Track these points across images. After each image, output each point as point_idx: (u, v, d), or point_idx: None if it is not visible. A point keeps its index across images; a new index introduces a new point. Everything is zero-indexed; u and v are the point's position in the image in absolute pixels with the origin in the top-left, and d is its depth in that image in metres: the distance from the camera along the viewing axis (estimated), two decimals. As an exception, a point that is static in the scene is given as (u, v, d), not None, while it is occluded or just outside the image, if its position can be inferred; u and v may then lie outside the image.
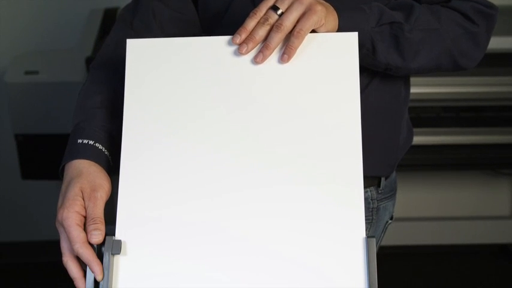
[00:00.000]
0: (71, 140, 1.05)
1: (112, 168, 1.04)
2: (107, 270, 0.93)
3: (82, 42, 2.37)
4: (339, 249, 0.92)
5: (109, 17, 2.44)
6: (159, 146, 0.99)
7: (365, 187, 1.17)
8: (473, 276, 2.71)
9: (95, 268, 0.93)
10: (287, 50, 0.98)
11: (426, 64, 1.12)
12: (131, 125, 1.00)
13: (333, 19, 1.02)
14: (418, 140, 1.33)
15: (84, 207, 0.96)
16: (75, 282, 0.95)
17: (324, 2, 1.02)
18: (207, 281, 0.92)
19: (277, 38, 0.98)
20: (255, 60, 0.99)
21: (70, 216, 0.94)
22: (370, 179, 1.21)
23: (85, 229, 0.95)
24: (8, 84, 2.31)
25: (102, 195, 0.97)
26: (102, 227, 0.95)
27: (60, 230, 0.97)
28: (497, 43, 1.21)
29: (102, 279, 0.93)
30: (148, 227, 0.96)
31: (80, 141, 1.03)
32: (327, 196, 0.95)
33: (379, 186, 1.23)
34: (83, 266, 0.95)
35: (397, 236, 2.69)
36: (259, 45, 0.99)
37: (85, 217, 0.96)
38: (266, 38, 0.99)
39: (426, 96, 2.38)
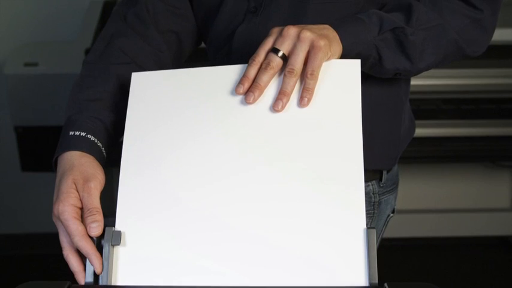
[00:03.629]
0: (63, 132, 1.04)
1: (106, 159, 1.04)
2: (106, 261, 0.93)
3: (82, 34, 2.37)
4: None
5: (109, 8, 2.44)
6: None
7: (367, 181, 1.17)
8: (473, 268, 2.72)
9: (94, 261, 0.93)
10: (305, 93, 0.97)
11: (434, 61, 1.11)
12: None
13: (337, 45, 1.01)
14: (418, 132, 1.32)
15: (80, 199, 0.96)
16: (75, 276, 0.95)
17: (321, 29, 1.00)
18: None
19: (292, 82, 0.97)
20: (275, 109, 0.97)
21: (66, 210, 0.94)
22: (372, 173, 1.20)
23: (83, 221, 0.95)
24: (7, 76, 2.31)
25: (96, 185, 0.97)
26: (99, 217, 0.94)
27: (58, 224, 0.96)
28: (497, 35, 1.19)
29: (102, 272, 0.93)
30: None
31: (71, 133, 1.03)
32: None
33: (380, 180, 1.22)
34: (84, 258, 0.95)
35: (396, 228, 2.69)
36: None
37: (81, 208, 0.96)
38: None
39: (426, 89, 2.38)
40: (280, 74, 0.99)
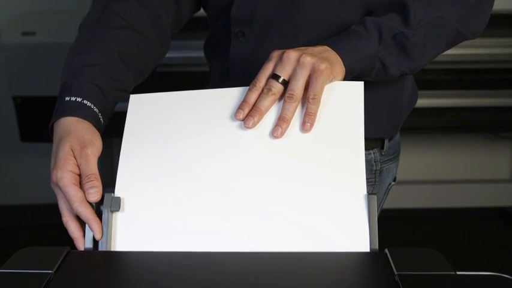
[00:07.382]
0: (59, 98, 1.03)
1: (103, 125, 1.03)
2: (106, 227, 0.93)
3: (80, 2, 2.35)
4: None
5: (107, -23, 2.41)
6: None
7: (368, 149, 1.16)
8: (473, 239, 2.72)
9: (93, 227, 0.93)
10: (307, 118, 0.96)
11: (437, 52, 1.09)
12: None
13: (339, 67, 0.99)
14: (419, 102, 1.31)
15: (77, 165, 0.95)
16: (75, 242, 0.95)
17: (322, 52, 0.98)
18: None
19: (292, 108, 0.96)
20: (274, 135, 0.96)
21: (65, 176, 0.94)
22: (374, 141, 1.19)
23: (81, 187, 0.94)
24: (5, 45, 2.30)
25: (94, 151, 0.96)
26: (97, 183, 0.94)
27: (57, 190, 0.96)
28: (499, 4, 1.17)
29: (101, 238, 0.92)
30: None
31: (67, 98, 1.01)
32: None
33: (382, 148, 1.21)
34: (83, 224, 0.95)
35: (397, 199, 2.69)
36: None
37: (80, 175, 0.95)
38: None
39: (428, 59, 2.36)
40: (280, 100, 0.97)
